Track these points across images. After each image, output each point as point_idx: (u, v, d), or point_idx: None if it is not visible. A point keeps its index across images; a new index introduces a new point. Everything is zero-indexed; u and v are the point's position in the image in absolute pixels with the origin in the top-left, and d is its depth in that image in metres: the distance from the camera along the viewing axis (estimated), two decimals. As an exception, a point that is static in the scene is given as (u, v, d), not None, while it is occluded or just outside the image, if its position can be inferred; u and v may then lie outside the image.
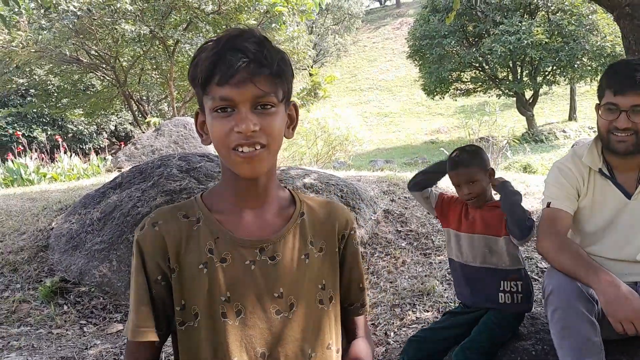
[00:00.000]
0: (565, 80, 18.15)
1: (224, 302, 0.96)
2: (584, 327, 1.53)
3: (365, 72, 33.30)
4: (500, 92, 18.84)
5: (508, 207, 1.86)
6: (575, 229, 1.81)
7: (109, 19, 9.62)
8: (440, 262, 3.44)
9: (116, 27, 9.73)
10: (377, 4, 49.70)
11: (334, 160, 11.23)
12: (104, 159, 9.37)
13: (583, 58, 16.71)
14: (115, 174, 6.06)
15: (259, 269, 0.99)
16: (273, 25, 9.74)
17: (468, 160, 1.98)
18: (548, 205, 1.76)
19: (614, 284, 1.44)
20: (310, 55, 10.56)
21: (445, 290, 3.02)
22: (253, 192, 1.01)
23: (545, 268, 2.90)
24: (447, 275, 3.11)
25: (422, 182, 2.15)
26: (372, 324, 2.74)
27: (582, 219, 1.77)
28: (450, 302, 2.83)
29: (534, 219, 1.87)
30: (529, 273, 2.18)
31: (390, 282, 3.27)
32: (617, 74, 1.59)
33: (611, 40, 15.79)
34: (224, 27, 9.78)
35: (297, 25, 10.61)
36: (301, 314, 1.01)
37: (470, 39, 18.52)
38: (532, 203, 4.19)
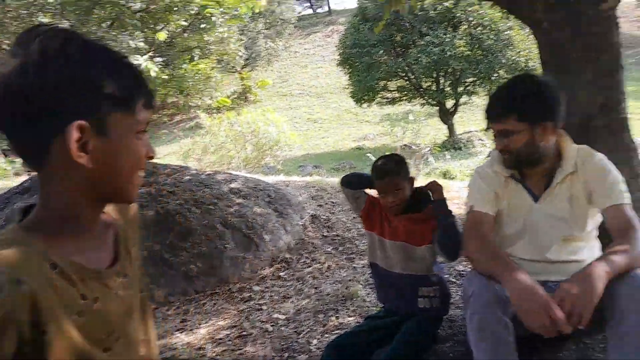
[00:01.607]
0: (484, 91, 19.20)
1: (105, 338, 0.87)
2: (499, 329, 1.58)
3: (296, 77, 33.39)
4: (424, 102, 19.58)
5: (444, 231, 1.94)
6: (496, 232, 1.89)
7: (25, 12, 8.92)
8: (363, 267, 3.48)
9: (33, 19, 9.04)
10: (309, 11, 50.11)
11: (263, 165, 11.14)
12: (12, 161, 8.67)
13: (500, 71, 17.75)
14: (24, 177, 5.61)
15: (122, 292, 0.92)
16: (202, 26, 9.50)
17: (394, 170, 2.02)
18: (471, 209, 1.84)
19: (522, 280, 1.50)
20: (240, 56, 10.40)
21: (368, 294, 3.05)
22: (98, 217, 0.92)
23: (463, 272, 3.01)
24: (369, 279, 3.15)
25: (353, 183, 2.18)
26: (294, 331, 2.72)
27: (501, 221, 1.86)
28: (373, 307, 2.87)
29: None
30: (447, 276, 2.26)
31: (315, 288, 3.26)
32: (488, 102, 1.78)
33: (525, 55, 16.97)
34: (152, 26, 9.39)
35: (228, 28, 10.42)
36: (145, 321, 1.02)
37: (398, 49, 19.10)
38: (451, 207, 4.36)
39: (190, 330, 2.95)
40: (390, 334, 1.97)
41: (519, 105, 1.67)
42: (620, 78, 2.20)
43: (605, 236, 1.70)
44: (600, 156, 1.77)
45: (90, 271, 0.85)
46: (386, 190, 2.03)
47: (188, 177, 4.00)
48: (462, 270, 3.15)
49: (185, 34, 9.45)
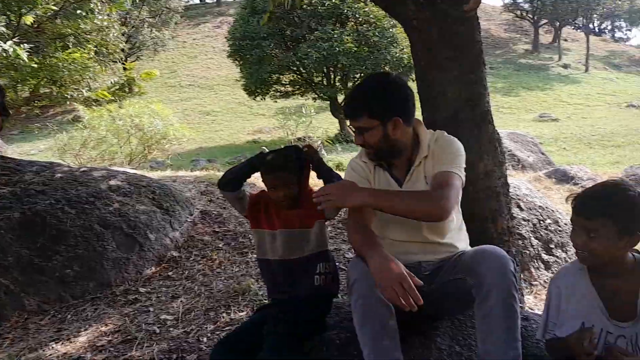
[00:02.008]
0: (371, 86, 20.03)
1: None
2: (382, 312, 1.67)
3: (186, 68, 32.21)
4: (316, 96, 19.97)
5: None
6: (375, 217, 1.97)
7: None
8: (256, 260, 3.46)
9: None
10: (196, 0, 48.48)
11: (150, 160, 10.60)
12: None
13: (385, 67, 18.64)
14: None
15: None
16: (78, 12, 8.74)
17: (283, 165, 2.02)
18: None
19: (383, 256, 1.63)
20: (123, 49, 9.76)
21: (260, 288, 3.04)
22: None
23: (351, 258, 3.12)
24: (261, 273, 3.14)
25: (233, 182, 2.11)
26: (184, 331, 2.63)
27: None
28: (265, 300, 2.87)
29: None
30: (338, 264, 2.33)
31: (206, 286, 3.18)
32: (344, 101, 1.97)
33: (408, 52, 18.00)
34: (15, 9, 8.45)
35: (108, 15, 9.71)
36: None
37: (289, 43, 19.22)
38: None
39: (68, 339, 2.72)
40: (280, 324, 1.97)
41: (369, 104, 1.83)
42: (483, 74, 2.41)
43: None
44: (449, 136, 1.97)
45: None
46: (275, 186, 2.03)
47: (60, 175, 3.67)
48: (351, 258, 3.27)
49: (58, 20, 8.65)
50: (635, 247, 1.56)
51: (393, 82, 1.88)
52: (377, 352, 1.64)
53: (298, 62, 18.35)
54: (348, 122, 1.91)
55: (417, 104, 2.04)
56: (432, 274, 1.81)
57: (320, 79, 19.85)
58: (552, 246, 3.76)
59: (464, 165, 1.89)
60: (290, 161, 2.04)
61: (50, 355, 2.53)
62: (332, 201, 1.73)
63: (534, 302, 3.21)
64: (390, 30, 17.90)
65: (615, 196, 1.49)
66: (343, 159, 11.17)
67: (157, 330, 2.68)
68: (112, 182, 3.73)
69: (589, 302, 1.58)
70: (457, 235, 1.93)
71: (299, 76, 19.87)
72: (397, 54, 18.08)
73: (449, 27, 2.27)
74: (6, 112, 0.94)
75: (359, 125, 1.86)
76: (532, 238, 3.73)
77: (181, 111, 25.25)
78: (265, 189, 2.12)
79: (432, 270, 1.81)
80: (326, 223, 2.18)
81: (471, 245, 2.00)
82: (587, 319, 1.57)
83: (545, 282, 3.45)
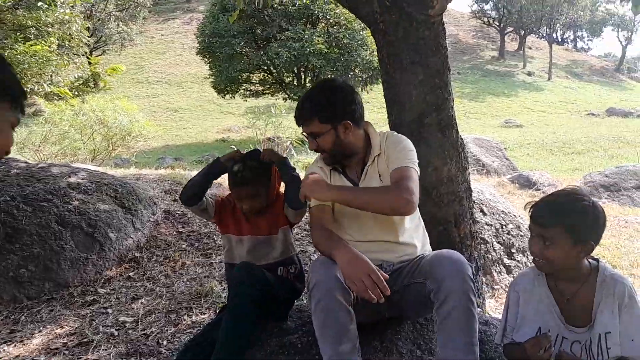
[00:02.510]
0: (341, 88, 20.10)
1: None
2: (342, 316, 1.66)
3: (154, 64, 31.61)
4: (287, 96, 19.91)
5: (290, 183, 2.04)
6: (335, 221, 1.98)
7: None
8: (220, 262, 3.41)
9: None
10: (166, -5, 47.53)
11: (115, 157, 10.34)
12: None
13: (356, 69, 18.77)
14: None
15: None
16: (40, 3, 8.44)
17: (251, 178, 2.03)
18: (309, 206, 1.98)
19: (350, 252, 1.69)
20: (86, 43, 9.49)
21: (224, 289, 3.00)
22: None
23: (312, 261, 3.11)
24: (225, 274, 3.10)
25: (195, 196, 2.09)
26: (143, 333, 2.56)
27: (335, 210, 1.98)
28: (228, 302, 2.83)
29: None
30: (304, 266, 2.31)
31: (167, 287, 3.12)
32: (296, 108, 1.95)
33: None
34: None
35: (71, 8, 9.41)
36: None
37: (259, 42, 19.10)
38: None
39: (21, 341, 2.62)
40: None
41: (318, 110, 1.88)
42: (448, 79, 2.44)
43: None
44: (398, 135, 2.01)
45: None
46: (242, 198, 2.04)
47: (16, 171, 3.52)
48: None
49: (19, 11, 8.34)
50: (592, 254, 1.60)
51: (340, 87, 1.93)
52: (337, 356, 1.64)
53: (268, 62, 18.27)
54: (301, 130, 1.94)
55: (383, 107, 2.07)
56: (392, 277, 1.81)
57: (290, 79, 19.81)
58: (514, 250, 3.85)
59: (417, 160, 1.92)
60: (257, 174, 2.05)
61: (1, 358, 2.43)
62: (303, 191, 1.79)
63: (495, 306, 3.27)
64: (361, 32, 18.02)
65: (569, 205, 1.51)
66: (312, 159, 11.14)
67: (115, 333, 2.61)
68: (72, 179, 3.61)
69: (545, 307, 1.61)
70: (415, 234, 1.95)
71: (269, 75, 19.78)
72: (368, 57, 18.21)
73: (415, 31, 2.29)
74: (23, 112, 1.07)
75: (311, 130, 1.90)
76: (495, 242, 3.81)
77: (148, 107, 24.75)
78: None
79: (392, 272, 1.82)
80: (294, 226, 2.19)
81: (435, 249, 2.02)
82: (543, 323, 1.61)
83: (506, 286, 3.53)
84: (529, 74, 35.75)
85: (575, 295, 1.58)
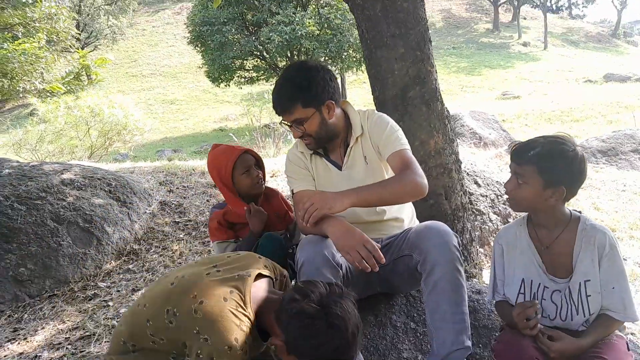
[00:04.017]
0: (336, 69, 19.98)
1: None
2: None
3: (147, 57, 31.40)
4: (281, 80, 19.73)
5: None
6: None
7: None
8: (218, 249, 3.43)
9: None
10: (154, -14, 46.96)
11: (113, 152, 10.33)
12: None
13: (349, 50, 18.57)
14: None
15: None
16: (24, 0, 8.36)
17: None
18: (293, 192, 1.97)
19: (342, 224, 1.67)
20: (74, 36, 9.40)
21: (221, 276, 3.02)
22: None
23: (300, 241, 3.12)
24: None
25: None
26: (143, 323, 2.59)
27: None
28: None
29: None
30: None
31: (166, 277, 3.14)
32: (272, 99, 1.88)
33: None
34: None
35: (57, 3, 9.31)
36: None
37: (250, 28, 18.91)
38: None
39: (24, 339, 2.65)
40: None
41: (299, 95, 1.80)
42: (430, 52, 2.42)
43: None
44: (379, 114, 1.97)
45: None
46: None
47: (8, 171, 3.52)
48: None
49: (5, 12, 8.26)
50: (575, 206, 1.60)
51: (314, 68, 1.85)
52: (328, 332, 1.65)
53: (261, 47, 18.11)
54: (280, 119, 1.87)
55: (366, 84, 2.04)
56: (382, 252, 1.82)
57: (284, 63, 19.63)
58: (511, 220, 3.86)
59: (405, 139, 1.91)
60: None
61: (5, 356, 2.46)
62: (317, 211, 1.66)
63: (491, 276, 3.29)
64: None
65: (548, 148, 1.51)
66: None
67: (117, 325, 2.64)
68: (65, 176, 3.61)
69: (527, 257, 1.62)
70: (401, 209, 1.95)
71: (262, 61, 19.61)
72: (360, 36, 18.02)
73: (393, 4, 2.26)
74: None
75: (295, 117, 1.83)
76: (491, 213, 3.81)
77: (144, 101, 24.68)
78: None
79: (382, 248, 1.83)
80: None
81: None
82: (526, 274, 1.61)
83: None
84: (525, 44, 35.40)
85: (554, 243, 1.58)
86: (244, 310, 1.42)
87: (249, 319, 1.42)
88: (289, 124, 1.85)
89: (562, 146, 1.50)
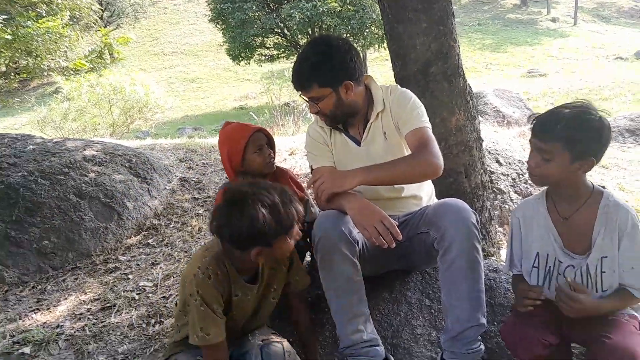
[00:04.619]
0: (358, 46, 19.69)
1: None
2: (347, 268, 1.68)
3: (168, 35, 31.47)
4: (302, 58, 19.57)
5: None
6: None
7: None
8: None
9: None
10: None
11: (134, 130, 10.45)
12: None
13: (371, 26, 18.25)
14: None
15: (250, 297, 1.70)
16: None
17: None
18: (312, 168, 1.97)
19: (359, 200, 1.68)
20: (96, 11, 9.45)
21: (239, 252, 3.05)
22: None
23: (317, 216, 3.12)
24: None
25: None
26: (162, 297, 2.65)
27: (339, 169, 1.94)
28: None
29: None
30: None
31: (185, 252, 3.19)
32: (292, 74, 1.87)
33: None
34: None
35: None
36: None
37: (271, 5, 18.72)
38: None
39: (47, 309, 2.73)
40: None
41: (316, 74, 1.78)
42: (453, 26, 2.35)
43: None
44: (402, 89, 1.93)
45: (242, 285, 1.61)
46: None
47: (32, 147, 3.59)
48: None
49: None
50: (599, 182, 1.54)
51: (335, 46, 1.80)
52: (342, 307, 1.66)
53: (282, 24, 17.95)
54: (299, 94, 1.86)
55: (388, 61, 1.99)
56: (399, 229, 1.81)
57: (305, 40, 19.44)
58: (532, 199, 3.79)
59: (427, 116, 1.86)
60: None
61: (29, 325, 2.54)
62: (328, 188, 1.69)
63: (511, 255, 3.25)
64: (370, -13, 17.45)
65: (574, 121, 1.42)
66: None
67: (136, 297, 2.69)
68: (87, 152, 3.66)
69: (544, 230, 1.58)
70: (420, 186, 1.93)
71: (283, 39, 19.46)
72: (383, 13, 17.67)
73: (415, -24, 2.19)
74: None
75: (311, 96, 1.82)
76: (512, 192, 3.74)
77: (165, 79, 24.81)
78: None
79: (399, 225, 1.81)
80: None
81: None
82: (541, 248, 1.57)
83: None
84: (553, 20, 34.26)
85: (574, 216, 1.53)
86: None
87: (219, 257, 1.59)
88: (306, 99, 1.85)
89: (588, 116, 1.42)
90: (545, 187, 1.61)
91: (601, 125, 1.41)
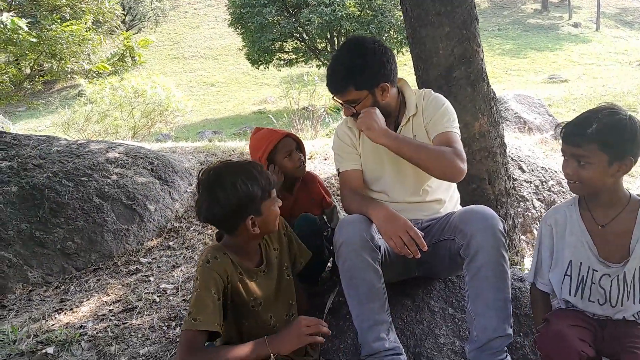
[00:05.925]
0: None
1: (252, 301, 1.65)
2: (369, 275, 1.65)
3: (188, 39, 31.81)
4: (320, 63, 19.64)
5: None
6: (365, 181, 1.96)
7: None
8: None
9: None
10: (197, -32, 47.35)
11: (155, 132, 10.57)
12: None
13: (390, 31, 18.21)
14: None
15: (263, 281, 1.70)
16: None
17: None
18: (339, 171, 1.97)
19: (385, 209, 1.68)
20: (118, 16, 9.61)
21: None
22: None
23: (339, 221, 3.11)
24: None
25: None
26: (183, 299, 2.65)
27: (365, 171, 1.94)
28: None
29: None
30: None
31: (205, 254, 3.20)
32: (327, 76, 1.86)
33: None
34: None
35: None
36: None
37: (290, 9, 18.81)
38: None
39: (70, 309, 2.76)
40: None
41: (353, 77, 1.77)
42: (476, 30, 2.32)
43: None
44: (436, 94, 1.92)
45: (247, 268, 1.62)
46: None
47: (57, 148, 3.66)
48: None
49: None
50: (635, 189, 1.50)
51: (371, 48, 1.80)
52: (364, 314, 1.64)
53: (300, 29, 18.02)
54: (332, 96, 1.85)
55: (410, 64, 1.98)
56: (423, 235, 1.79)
57: (324, 45, 19.48)
58: (555, 207, 3.72)
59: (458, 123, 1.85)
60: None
61: (52, 325, 2.57)
62: (358, 124, 1.77)
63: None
64: (386, -8, 17.42)
65: (604, 121, 1.39)
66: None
67: (157, 299, 2.71)
68: (110, 155, 3.71)
69: (578, 239, 1.53)
70: (443, 192, 1.91)
71: (302, 43, 19.51)
72: (402, 17, 17.62)
73: (439, -19, 2.18)
74: None
75: (347, 99, 1.82)
76: (535, 200, 3.69)
77: (185, 83, 25.06)
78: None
79: (422, 230, 1.79)
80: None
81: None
82: (574, 256, 1.53)
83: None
84: (575, 25, 33.77)
85: (611, 224, 1.48)
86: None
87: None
88: (341, 102, 1.85)
89: (618, 116, 1.39)
90: (576, 195, 1.57)
91: (632, 123, 1.39)
